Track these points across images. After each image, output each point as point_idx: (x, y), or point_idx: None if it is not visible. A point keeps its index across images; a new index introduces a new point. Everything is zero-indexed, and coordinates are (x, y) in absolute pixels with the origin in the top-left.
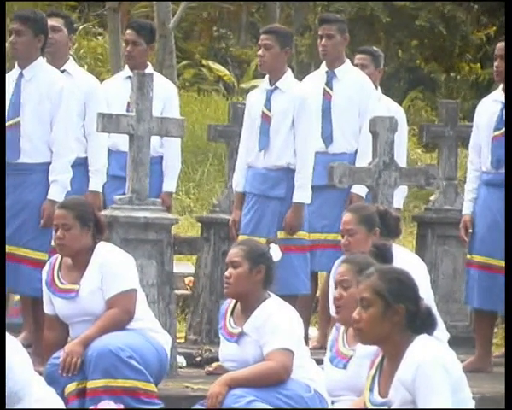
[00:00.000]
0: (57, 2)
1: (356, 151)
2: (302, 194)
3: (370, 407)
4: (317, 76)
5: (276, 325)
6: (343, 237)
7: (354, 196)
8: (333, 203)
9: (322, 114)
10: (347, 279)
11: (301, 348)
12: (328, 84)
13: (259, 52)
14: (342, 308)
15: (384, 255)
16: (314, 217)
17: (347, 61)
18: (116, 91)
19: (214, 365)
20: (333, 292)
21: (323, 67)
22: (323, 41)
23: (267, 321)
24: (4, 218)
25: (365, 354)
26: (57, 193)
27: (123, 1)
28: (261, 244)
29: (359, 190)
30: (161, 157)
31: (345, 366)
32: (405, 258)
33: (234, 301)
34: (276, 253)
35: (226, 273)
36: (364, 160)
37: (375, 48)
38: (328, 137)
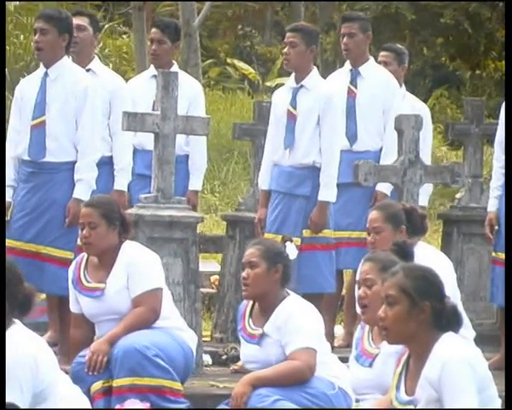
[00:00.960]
0: (82, 2)
1: (380, 149)
2: (327, 192)
3: (397, 405)
4: (342, 74)
5: (297, 324)
6: (369, 234)
7: (379, 194)
8: (357, 201)
9: (347, 112)
10: (371, 278)
11: (323, 344)
12: (353, 82)
13: (285, 50)
14: (367, 307)
15: (405, 253)
16: (339, 215)
17: (371, 58)
18: (141, 90)
19: (240, 363)
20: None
21: (347, 65)
22: (345, 39)
23: (288, 320)
24: (4, 217)
25: (390, 353)
26: (83, 192)
27: (148, 0)
28: (277, 243)
29: (384, 187)
30: (187, 156)
31: (370, 365)
32: (431, 256)
33: (251, 301)
34: (291, 251)
35: (243, 274)
36: (389, 158)
37: (398, 45)
38: (352, 136)
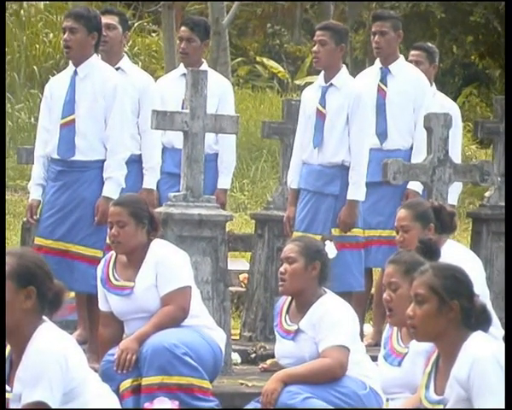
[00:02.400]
0: (112, 0)
1: (411, 147)
2: (356, 191)
3: (427, 404)
4: (371, 72)
5: (332, 321)
6: (398, 233)
7: (410, 193)
8: (388, 199)
9: (377, 111)
10: (395, 281)
11: (357, 344)
12: (383, 80)
13: (314, 48)
14: (393, 310)
15: (430, 250)
16: (369, 213)
17: (401, 57)
18: (171, 89)
19: (269, 362)
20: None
21: (377, 63)
22: (377, 38)
23: (323, 318)
24: (4, 216)
25: (419, 352)
26: (112, 190)
27: None
28: (317, 241)
29: (415, 186)
30: (216, 154)
31: (399, 364)
32: (461, 254)
33: (289, 298)
34: (331, 250)
35: (281, 269)
36: (420, 156)
37: (429, 44)
38: (382, 134)
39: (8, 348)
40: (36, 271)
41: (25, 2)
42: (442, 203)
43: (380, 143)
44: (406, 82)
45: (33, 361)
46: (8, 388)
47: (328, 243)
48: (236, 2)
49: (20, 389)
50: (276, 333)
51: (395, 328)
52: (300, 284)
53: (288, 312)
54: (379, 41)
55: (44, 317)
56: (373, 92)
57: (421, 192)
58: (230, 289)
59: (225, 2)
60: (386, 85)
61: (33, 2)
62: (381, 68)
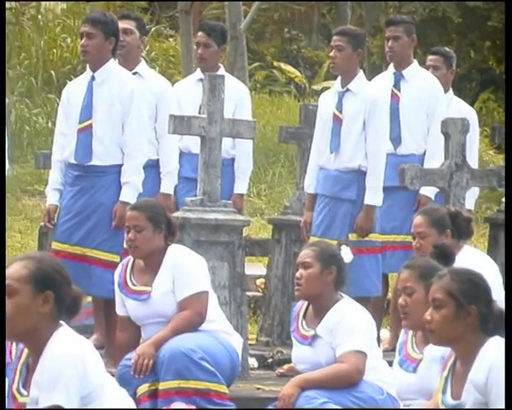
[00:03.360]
0: (129, 4)
1: (425, 153)
2: (374, 196)
3: (443, 408)
4: (385, 77)
5: (348, 326)
6: (414, 239)
7: (422, 198)
8: (402, 205)
9: (391, 116)
10: (410, 286)
11: (374, 349)
12: (396, 85)
13: (331, 54)
14: (408, 315)
15: (445, 255)
16: (383, 219)
17: (415, 61)
18: (188, 94)
19: (285, 366)
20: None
21: (391, 68)
22: (390, 42)
23: (340, 323)
24: (4, 216)
25: (434, 358)
26: (129, 195)
27: (195, 0)
28: (332, 246)
29: (428, 191)
30: (233, 159)
31: (414, 370)
32: (477, 260)
33: (306, 303)
34: (347, 255)
35: (297, 274)
36: (433, 161)
37: (446, 49)
38: (396, 139)
39: (25, 353)
40: (54, 275)
41: (42, 8)
42: (458, 209)
43: (394, 148)
44: (420, 87)
45: (50, 365)
46: (24, 392)
47: (343, 247)
48: (254, 7)
49: (37, 393)
50: (292, 338)
51: (410, 334)
52: (316, 288)
53: (304, 317)
54: (392, 46)
55: (61, 321)
56: (386, 97)
57: (433, 198)
58: (247, 293)
59: (242, 7)
60: (399, 90)
61: (51, 5)
62: (394, 73)
